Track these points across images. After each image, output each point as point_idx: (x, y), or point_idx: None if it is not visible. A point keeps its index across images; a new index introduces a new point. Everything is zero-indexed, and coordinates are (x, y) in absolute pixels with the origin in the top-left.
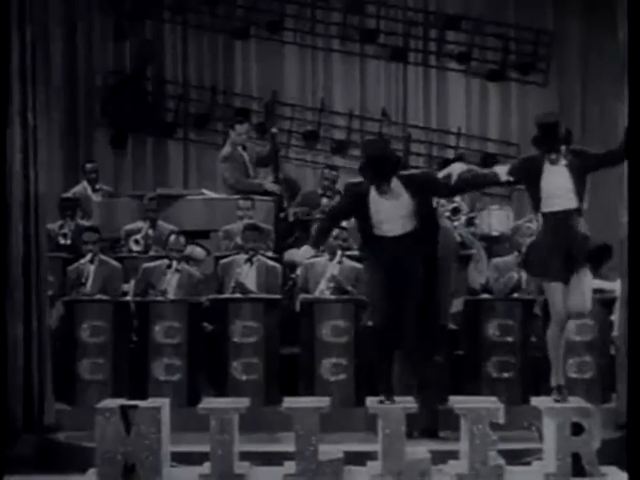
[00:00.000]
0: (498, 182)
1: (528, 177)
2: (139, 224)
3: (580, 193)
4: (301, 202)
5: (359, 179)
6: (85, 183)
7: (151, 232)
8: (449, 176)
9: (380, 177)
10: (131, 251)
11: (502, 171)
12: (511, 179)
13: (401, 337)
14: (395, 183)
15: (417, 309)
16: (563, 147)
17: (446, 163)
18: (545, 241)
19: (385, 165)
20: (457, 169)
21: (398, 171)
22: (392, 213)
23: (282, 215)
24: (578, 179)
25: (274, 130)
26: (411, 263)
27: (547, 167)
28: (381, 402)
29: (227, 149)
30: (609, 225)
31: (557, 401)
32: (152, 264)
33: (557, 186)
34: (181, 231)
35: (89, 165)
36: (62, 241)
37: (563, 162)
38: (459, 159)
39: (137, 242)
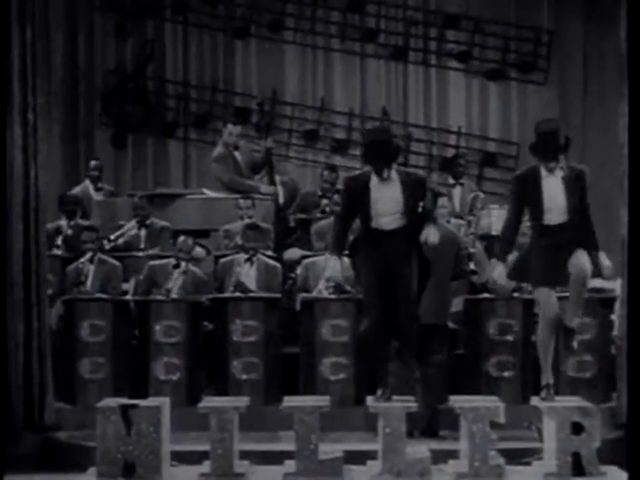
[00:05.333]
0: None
1: (528, 193)
2: (133, 223)
3: (572, 207)
4: (301, 202)
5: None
6: (87, 182)
7: (143, 231)
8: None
9: (381, 162)
10: (115, 246)
11: (502, 274)
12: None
13: (393, 333)
14: (394, 175)
15: (408, 303)
16: (562, 158)
17: (445, 161)
18: (539, 248)
19: (386, 149)
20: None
21: (398, 158)
22: (389, 204)
23: (282, 214)
24: (571, 194)
25: (270, 144)
26: (403, 257)
27: (545, 177)
28: (379, 398)
29: (218, 149)
30: (609, 224)
31: (542, 399)
32: (158, 262)
33: (554, 199)
34: (181, 230)
35: (92, 163)
36: (56, 252)
37: (560, 173)
38: (456, 157)
39: (109, 240)
